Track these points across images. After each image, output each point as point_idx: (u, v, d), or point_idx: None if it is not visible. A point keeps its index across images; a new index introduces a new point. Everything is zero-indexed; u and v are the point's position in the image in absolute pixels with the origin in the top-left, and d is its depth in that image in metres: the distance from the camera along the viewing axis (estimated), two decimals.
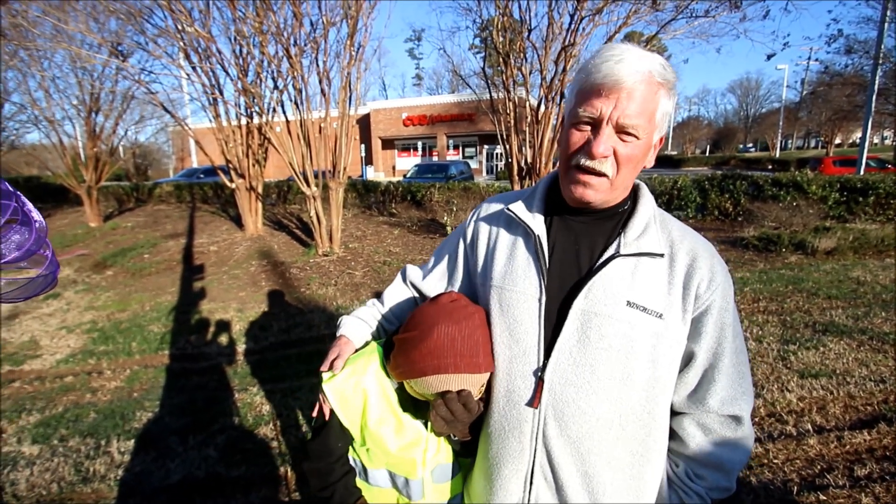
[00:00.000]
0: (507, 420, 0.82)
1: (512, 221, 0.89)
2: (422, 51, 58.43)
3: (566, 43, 5.81)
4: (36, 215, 0.71)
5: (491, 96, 6.95)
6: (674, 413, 0.84)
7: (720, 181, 8.40)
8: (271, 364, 3.63)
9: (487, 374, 0.84)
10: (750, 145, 55.24)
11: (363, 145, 28.55)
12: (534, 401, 0.79)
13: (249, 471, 2.37)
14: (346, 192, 9.82)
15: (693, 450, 0.81)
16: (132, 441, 2.69)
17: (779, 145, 41.88)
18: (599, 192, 0.78)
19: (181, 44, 6.67)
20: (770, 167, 27.46)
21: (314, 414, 0.96)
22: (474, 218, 0.99)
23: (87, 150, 10.08)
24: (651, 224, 0.81)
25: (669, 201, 8.65)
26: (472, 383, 0.82)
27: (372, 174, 27.41)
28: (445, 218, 7.79)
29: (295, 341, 4.05)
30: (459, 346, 0.79)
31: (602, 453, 0.78)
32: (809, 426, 2.43)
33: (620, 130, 0.74)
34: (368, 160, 29.28)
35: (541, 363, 0.79)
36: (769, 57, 5.93)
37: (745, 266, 5.42)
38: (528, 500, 0.82)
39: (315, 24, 6.06)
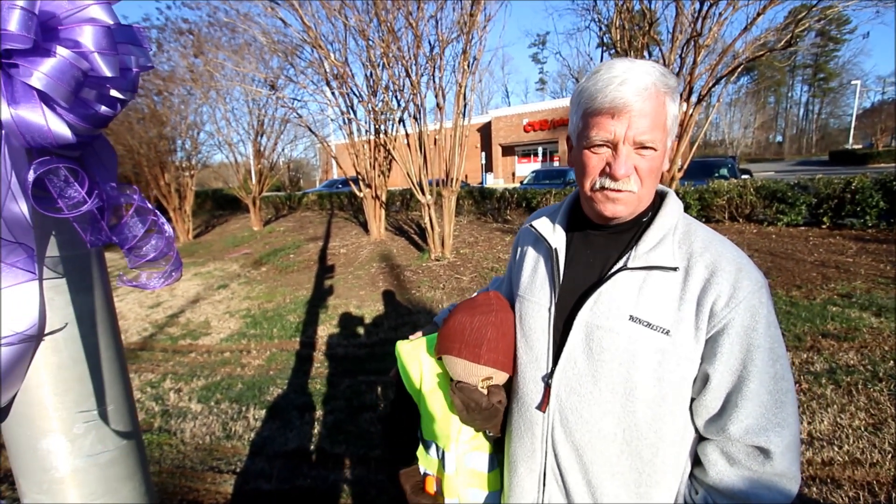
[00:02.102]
0: (522, 421, 0.88)
1: (537, 236, 0.93)
2: (545, 55, 57.62)
3: (695, 33, 5.25)
4: (167, 227, 0.94)
5: None
6: (701, 438, 0.78)
7: None
8: (378, 357, 3.99)
9: (488, 369, 0.89)
10: None
11: (483, 153, 29.19)
12: (542, 405, 0.83)
13: (349, 450, 2.67)
14: (461, 200, 10.23)
15: (713, 478, 0.74)
16: (264, 410, 3.22)
17: None
18: (629, 206, 0.78)
19: (324, 73, 7.72)
20: None
21: (392, 374, 1.17)
22: (520, 231, 1.06)
23: (254, 166, 12.20)
24: (668, 236, 0.78)
25: (839, 207, 7.16)
26: (473, 373, 0.89)
27: (491, 181, 27.85)
28: None
29: (400, 339, 4.38)
30: (467, 335, 0.90)
31: (605, 465, 0.78)
32: None
33: (638, 146, 0.74)
34: (489, 167, 29.83)
35: (549, 370, 0.83)
36: None
37: None
38: (543, 499, 0.86)
39: (433, 45, 6.47)
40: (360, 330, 4.74)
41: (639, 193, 0.77)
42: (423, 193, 6.92)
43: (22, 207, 0.68)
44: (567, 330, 0.81)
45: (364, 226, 10.13)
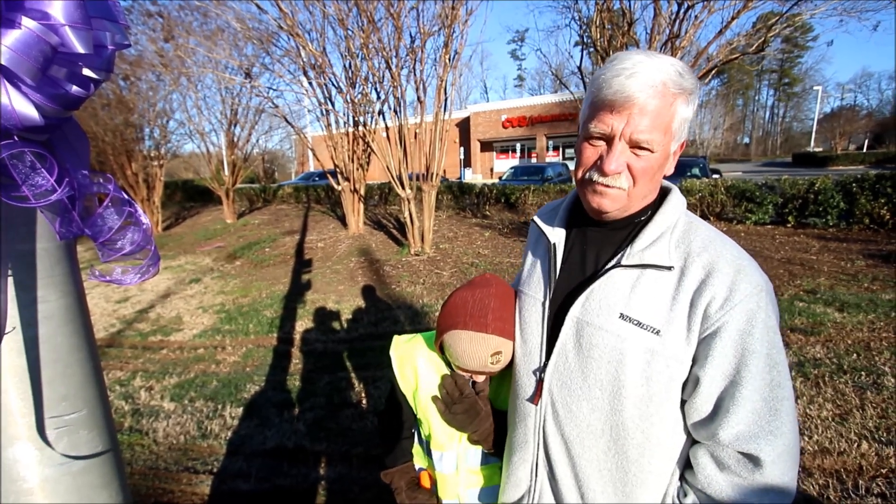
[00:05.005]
0: (517, 412, 0.89)
1: (539, 231, 0.92)
2: (524, 52, 57.89)
3: (672, 34, 5.35)
4: (144, 218, 0.88)
5: None
6: (693, 441, 0.78)
7: (874, 183, 7.01)
8: (359, 353, 3.93)
9: (497, 338, 0.87)
10: None
11: (462, 148, 29.16)
12: (534, 397, 0.84)
13: (330, 447, 2.62)
14: (440, 194, 10.19)
15: (702, 482, 0.73)
16: (241, 408, 3.13)
17: None
18: (616, 202, 0.77)
19: (301, 63, 7.52)
20: None
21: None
22: (530, 226, 1.05)
23: (227, 156, 11.82)
24: (665, 234, 0.76)
25: (803, 207, 7.46)
26: (481, 345, 0.87)
27: (470, 176, 27.87)
28: None
29: (381, 334, 4.33)
30: (470, 307, 0.89)
31: (592, 461, 0.79)
32: None
33: (634, 145, 0.72)
34: (467, 162, 29.82)
35: (541, 363, 0.83)
36: None
37: None
38: (534, 488, 0.87)
39: (414, 37, 6.39)
40: (340, 325, 4.66)
41: (630, 191, 0.75)
42: (403, 187, 6.85)
43: None
44: (560, 325, 0.81)
45: (342, 219, 9.97)
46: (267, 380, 3.57)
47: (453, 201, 11.15)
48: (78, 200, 0.75)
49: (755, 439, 0.68)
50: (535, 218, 0.92)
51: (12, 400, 0.67)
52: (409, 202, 6.88)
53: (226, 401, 3.25)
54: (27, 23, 0.56)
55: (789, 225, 7.50)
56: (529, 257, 0.96)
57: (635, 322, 0.73)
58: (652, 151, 0.72)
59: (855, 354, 3.18)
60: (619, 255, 0.78)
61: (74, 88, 0.65)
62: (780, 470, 0.69)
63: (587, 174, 0.77)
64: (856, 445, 2.26)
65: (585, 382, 0.77)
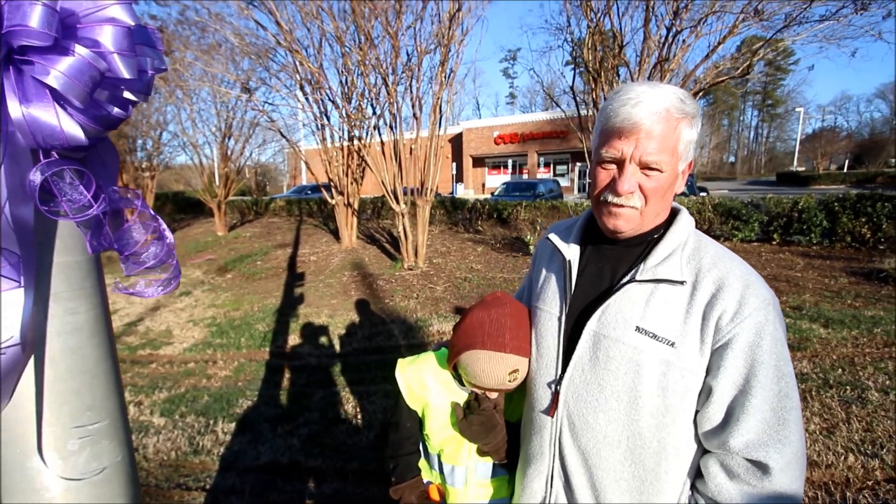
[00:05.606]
0: (532, 424, 0.92)
1: (553, 248, 0.96)
2: (516, 70, 59.02)
3: (662, 58, 5.54)
4: (168, 233, 0.91)
5: (580, 114, 6.85)
6: (704, 451, 0.81)
7: (854, 202, 7.24)
8: (353, 368, 3.92)
9: (514, 357, 0.90)
10: None
11: (454, 163, 29.44)
12: (551, 410, 0.86)
13: (325, 463, 2.60)
14: (433, 209, 10.26)
15: (712, 490, 0.76)
16: (233, 424, 3.09)
17: None
18: (630, 222, 0.82)
19: (297, 78, 7.61)
20: None
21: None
22: (538, 243, 1.10)
23: (220, 169, 11.80)
24: (677, 251, 0.81)
25: (788, 225, 7.66)
26: (499, 365, 0.90)
27: (462, 192, 28.08)
28: (529, 237, 7.74)
29: (375, 349, 4.32)
30: (487, 327, 0.91)
31: (609, 470, 0.81)
32: None
33: (644, 167, 0.78)
34: (459, 178, 30.08)
35: (557, 376, 0.86)
36: None
37: (880, 303, 4.60)
38: (549, 499, 0.89)
39: (410, 55, 6.52)
40: (334, 340, 4.64)
41: (642, 210, 0.80)
42: (398, 202, 6.90)
43: (6, 211, 0.65)
44: (576, 339, 0.84)
45: (334, 233, 9.97)
46: (259, 394, 3.53)
47: (446, 216, 11.23)
48: (108, 215, 0.78)
49: (764, 447, 0.71)
50: (551, 235, 0.96)
51: (39, 409, 0.69)
52: (403, 217, 6.92)
53: (218, 416, 3.21)
54: (80, 50, 0.60)
55: (775, 242, 7.68)
56: (542, 273, 0.99)
57: (651, 335, 0.77)
58: (661, 171, 0.77)
59: (840, 369, 3.26)
60: (633, 271, 0.82)
61: (116, 110, 0.69)
62: (789, 478, 0.71)
63: (602, 195, 0.82)
64: (843, 458, 2.31)
65: (602, 394, 0.80)
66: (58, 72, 0.58)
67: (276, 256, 8.92)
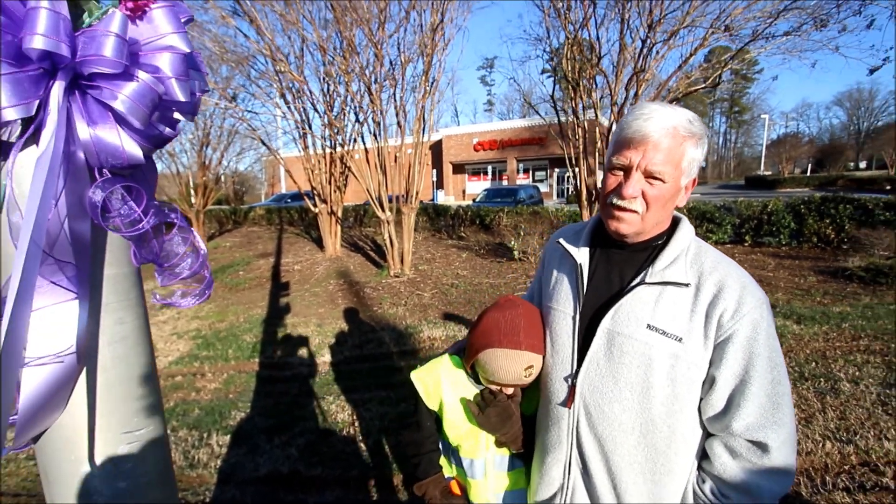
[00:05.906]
0: (549, 416, 0.98)
1: (564, 252, 1.03)
2: (493, 77, 59.82)
3: (638, 68, 5.76)
4: (202, 245, 0.95)
5: (560, 121, 7.03)
6: (708, 435, 0.90)
7: (819, 204, 7.63)
8: (345, 376, 3.92)
9: (529, 354, 0.97)
10: (863, 163, 49.09)
11: (435, 170, 29.57)
12: (567, 401, 0.93)
13: (325, 472, 2.60)
14: (417, 217, 10.32)
15: (718, 469, 0.85)
16: (228, 436, 3.06)
17: None
18: (631, 226, 0.89)
19: (278, 85, 7.58)
20: (888, 188, 24.08)
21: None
22: (547, 247, 1.17)
23: (198, 178, 11.58)
24: (681, 256, 0.89)
25: (758, 227, 8.01)
26: (515, 362, 0.96)
27: (442, 198, 28.20)
28: (513, 242, 7.87)
29: (367, 356, 4.33)
30: (503, 326, 0.98)
31: (624, 455, 0.89)
32: None
33: (649, 175, 0.86)
34: (439, 184, 30.22)
35: (573, 371, 0.93)
36: (871, 71, 5.41)
37: (847, 300, 4.87)
38: (567, 485, 0.96)
39: (394, 63, 6.60)
40: (324, 349, 4.63)
41: (643, 215, 0.88)
42: (383, 210, 6.93)
43: (65, 226, 0.68)
44: (590, 336, 0.92)
45: (317, 241, 9.91)
46: (252, 406, 3.50)
47: (429, 223, 11.29)
48: (152, 228, 0.82)
49: (763, 429, 0.81)
50: (561, 240, 1.03)
51: (92, 416, 0.71)
52: (388, 224, 6.95)
53: (211, 429, 3.17)
54: (142, 75, 0.64)
55: (747, 244, 8.01)
56: (553, 275, 1.06)
57: (661, 331, 0.85)
58: (664, 182, 0.85)
59: (813, 363, 3.45)
60: (642, 274, 0.90)
61: (167, 130, 0.73)
62: (784, 454, 0.81)
63: (609, 198, 0.90)
64: (821, 445, 2.45)
65: (616, 385, 0.88)
66: (123, 96, 0.63)
67: (258, 266, 8.81)
